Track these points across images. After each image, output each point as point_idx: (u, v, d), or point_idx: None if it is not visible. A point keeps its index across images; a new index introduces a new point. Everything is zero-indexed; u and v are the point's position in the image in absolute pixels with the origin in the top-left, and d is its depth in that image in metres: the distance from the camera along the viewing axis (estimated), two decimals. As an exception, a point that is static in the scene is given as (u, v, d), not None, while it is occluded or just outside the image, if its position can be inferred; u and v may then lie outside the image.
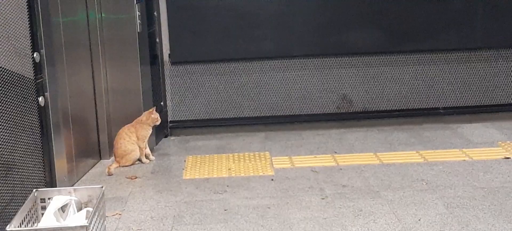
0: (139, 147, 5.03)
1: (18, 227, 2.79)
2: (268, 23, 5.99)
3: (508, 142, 5.29)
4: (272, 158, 5.05)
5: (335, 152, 5.18)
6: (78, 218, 2.99)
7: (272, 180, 4.75)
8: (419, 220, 3.87)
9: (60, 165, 4.02)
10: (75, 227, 2.77)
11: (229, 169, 4.80)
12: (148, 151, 5.15)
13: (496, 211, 3.98)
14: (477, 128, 5.84)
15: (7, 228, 2.73)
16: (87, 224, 2.74)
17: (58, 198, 3.07)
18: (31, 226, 2.95)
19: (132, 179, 4.63)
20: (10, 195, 3.30)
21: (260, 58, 6.05)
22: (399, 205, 4.10)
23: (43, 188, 3.54)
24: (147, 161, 5.12)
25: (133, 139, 4.81)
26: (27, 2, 3.54)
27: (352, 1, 5.96)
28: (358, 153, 5.17)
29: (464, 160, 4.88)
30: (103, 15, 5.08)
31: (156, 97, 5.75)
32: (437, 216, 3.94)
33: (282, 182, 4.67)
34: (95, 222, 2.90)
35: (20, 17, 3.48)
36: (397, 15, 6.00)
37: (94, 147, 5.02)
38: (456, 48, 6.42)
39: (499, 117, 6.32)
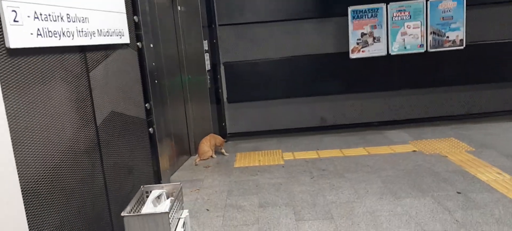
0: (211, 149, 4.48)
1: (129, 213, 2.34)
2: (287, 76, 5.71)
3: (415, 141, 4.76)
4: (283, 153, 4.47)
5: (317, 149, 4.59)
6: (166, 204, 2.53)
7: (283, 166, 4.06)
8: (367, 191, 3.22)
9: (163, 163, 3.67)
10: (160, 213, 2.30)
11: (259, 161, 4.21)
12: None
13: (410, 183, 3.36)
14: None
15: (122, 213, 2.29)
16: (168, 211, 2.28)
17: (155, 191, 2.62)
18: (138, 211, 2.49)
19: (206, 167, 4.16)
20: (131, 187, 2.88)
21: (279, 97, 5.80)
22: (355, 182, 3.80)
23: (151, 182, 3.11)
24: (214, 156, 4.57)
25: (208, 145, 4.35)
26: (140, 74, 3.11)
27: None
28: (330, 149, 4.66)
29: (391, 153, 4.22)
30: (189, 77, 4.66)
31: (220, 121, 5.97)
32: (377, 188, 3.73)
33: (288, 168, 4.04)
34: (174, 207, 2.44)
35: (136, 82, 3.08)
36: None
37: (187, 149, 4.84)
38: None
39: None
